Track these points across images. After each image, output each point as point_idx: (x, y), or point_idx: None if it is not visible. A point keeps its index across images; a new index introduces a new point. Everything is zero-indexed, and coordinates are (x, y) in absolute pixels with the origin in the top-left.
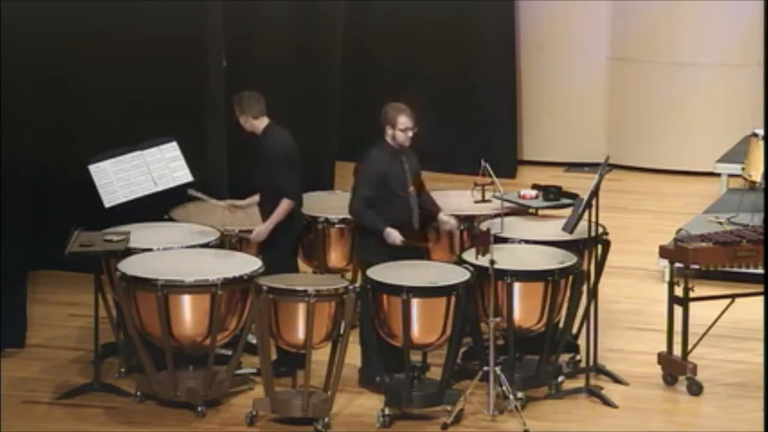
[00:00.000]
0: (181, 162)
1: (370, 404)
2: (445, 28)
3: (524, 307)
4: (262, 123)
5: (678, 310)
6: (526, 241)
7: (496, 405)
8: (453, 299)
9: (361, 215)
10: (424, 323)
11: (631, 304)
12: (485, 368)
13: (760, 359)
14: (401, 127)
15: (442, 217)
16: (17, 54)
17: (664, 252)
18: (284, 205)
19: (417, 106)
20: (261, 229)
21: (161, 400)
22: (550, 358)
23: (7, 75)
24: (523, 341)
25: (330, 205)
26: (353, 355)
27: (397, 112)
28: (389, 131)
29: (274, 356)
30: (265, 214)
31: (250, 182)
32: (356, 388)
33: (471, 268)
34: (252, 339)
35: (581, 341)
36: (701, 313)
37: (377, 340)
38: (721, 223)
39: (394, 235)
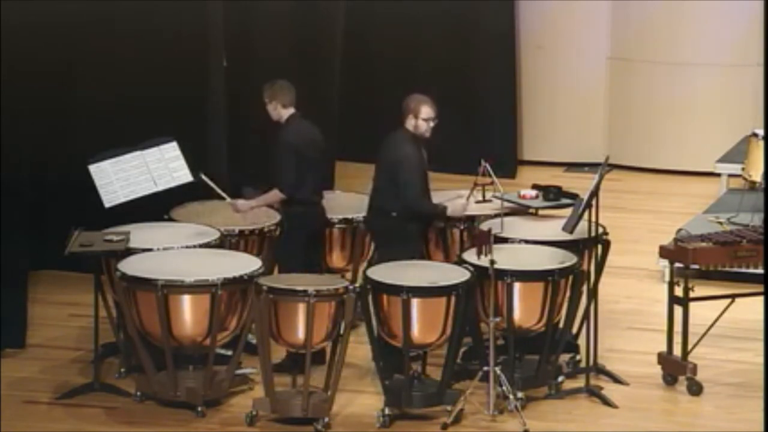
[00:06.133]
0: (181, 162)
1: (370, 404)
2: (445, 28)
3: (524, 307)
4: (288, 112)
5: (678, 310)
6: (526, 241)
7: (496, 405)
8: (453, 299)
9: (422, 205)
10: (424, 323)
11: (631, 304)
12: (485, 368)
13: (760, 359)
14: (424, 117)
15: None
16: (17, 53)
17: (664, 252)
18: (272, 194)
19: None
20: (244, 203)
21: (161, 400)
22: (550, 358)
23: (7, 74)
24: (523, 341)
25: (330, 205)
26: (353, 355)
27: (420, 102)
28: (411, 121)
29: (281, 358)
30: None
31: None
32: (356, 388)
33: (471, 268)
34: (252, 339)
35: (581, 341)
36: (701, 313)
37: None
38: (721, 223)
39: (460, 204)
